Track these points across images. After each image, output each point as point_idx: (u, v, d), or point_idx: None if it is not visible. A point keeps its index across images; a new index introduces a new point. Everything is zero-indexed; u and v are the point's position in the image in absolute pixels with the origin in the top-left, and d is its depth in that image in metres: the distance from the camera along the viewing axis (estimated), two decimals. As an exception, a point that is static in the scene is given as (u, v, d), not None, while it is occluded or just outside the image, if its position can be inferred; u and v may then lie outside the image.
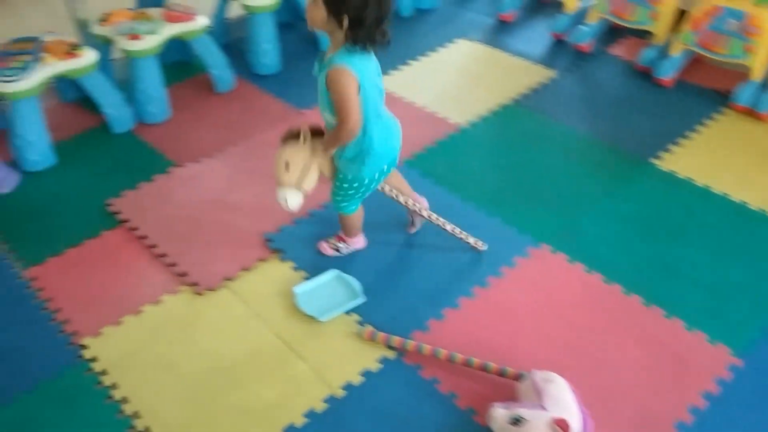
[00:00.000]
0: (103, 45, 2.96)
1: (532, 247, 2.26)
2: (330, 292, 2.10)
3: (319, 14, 1.71)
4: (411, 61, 3.30)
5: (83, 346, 1.96)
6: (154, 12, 2.98)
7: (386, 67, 3.21)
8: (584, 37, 3.28)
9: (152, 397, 1.83)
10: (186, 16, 2.95)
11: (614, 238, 2.30)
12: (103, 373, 1.89)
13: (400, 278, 2.16)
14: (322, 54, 1.86)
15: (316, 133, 1.92)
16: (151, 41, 2.81)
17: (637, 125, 2.83)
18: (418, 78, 3.18)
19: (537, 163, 2.63)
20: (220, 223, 2.38)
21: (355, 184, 1.98)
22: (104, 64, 2.95)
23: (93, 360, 1.92)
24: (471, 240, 2.23)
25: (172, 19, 2.93)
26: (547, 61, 3.25)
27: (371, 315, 2.04)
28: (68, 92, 3.05)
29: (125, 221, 2.39)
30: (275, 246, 2.27)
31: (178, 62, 3.27)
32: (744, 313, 2.04)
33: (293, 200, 1.93)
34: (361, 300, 2.07)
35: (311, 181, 1.94)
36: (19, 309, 2.09)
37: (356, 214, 2.13)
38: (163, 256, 2.25)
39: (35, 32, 2.77)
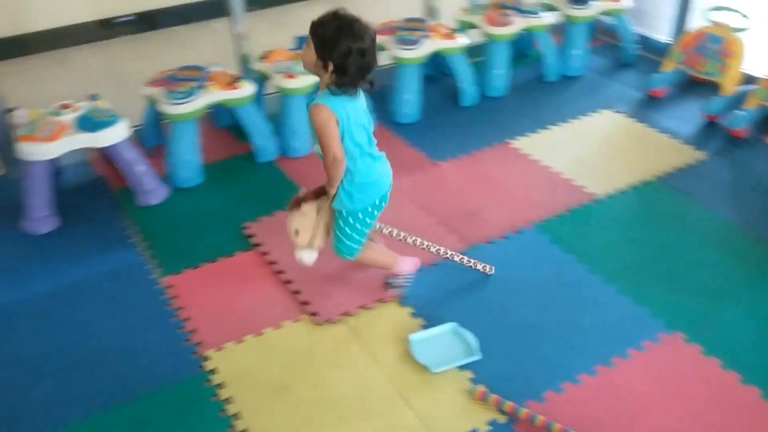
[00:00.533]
0: (260, 80, 3.17)
1: (663, 333, 2.13)
2: (445, 345, 2.08)
3: (309, 57, 1.87)
4: (552, 126, 3.27)
5: (206, 358, 2.05)
6: (310, 54, 3.15)
7: (526, 128, 3.23)
8: (740, 122, 3.13)
9: (262, 417, 1.87)
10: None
11: (757, 335, 2.13)
12: (221, 386, 1.96)
13: (521, 341, 2.10)
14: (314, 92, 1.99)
15: (319, 193, 2.08)
16: (304, 81, 2.98)
17: (791, 219, 2.64)
18: (558, 143, 3.15)
19: (676, 245, 2.50)
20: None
21: (350, 220, 2.07)
22: (258, 98, 3.15)
23: (213, 372, 2.00)
24: (479, 266, 2.31)
25: (326, 62, 3.09)
26: (697, 142, 3.12)
27: (485, 374, 1.99)
28: (222, 119, 3.28)
29: (258, 245, 2.50)
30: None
31: (324, 103, 3.43)
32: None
33: (308, 258, 2.12)
34: (476, 357, 2.03)
35: (321, 238, 2.11)
36: (153, 313, 2.22)
37: (369, 251, 2.19)
38: (288, 282, 2.33)
39: (202, 62, 3.02)
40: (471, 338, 2.08)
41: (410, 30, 3.35)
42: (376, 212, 2.10)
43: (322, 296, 2.27)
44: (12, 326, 2.19)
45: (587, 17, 3.69)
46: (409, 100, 3.31)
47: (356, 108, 1.95)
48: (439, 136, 3.22)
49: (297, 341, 2.11)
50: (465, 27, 3.63)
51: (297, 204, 2.10)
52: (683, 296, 2.27)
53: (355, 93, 1.92)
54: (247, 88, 2.91)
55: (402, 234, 2.31)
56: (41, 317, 2.22)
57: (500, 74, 3.53)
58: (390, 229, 2.34)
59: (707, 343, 2.09)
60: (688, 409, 1.89)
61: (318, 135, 1.92)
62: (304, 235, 2.08)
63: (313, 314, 2.20)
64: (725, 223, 2.62)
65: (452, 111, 3.44)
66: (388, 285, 2.27)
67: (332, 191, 2.02)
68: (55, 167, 2.79)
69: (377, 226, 2.26)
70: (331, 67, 1.85)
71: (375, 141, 2.07)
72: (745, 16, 3.31)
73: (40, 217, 2.59)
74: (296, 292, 2.29)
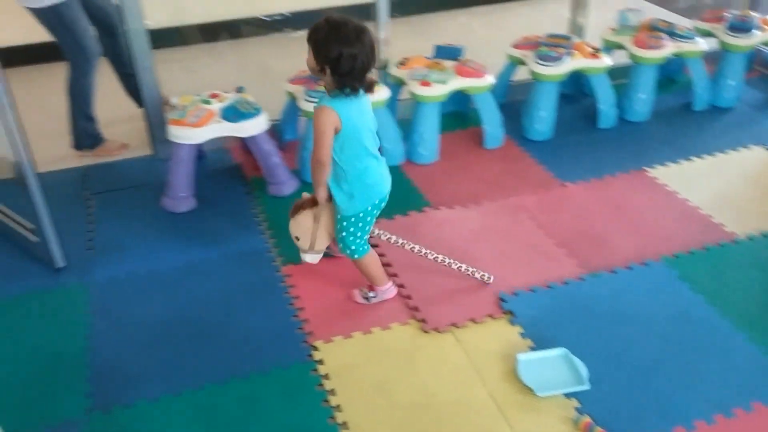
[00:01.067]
0: (396, 85, 3.23)
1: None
2: (554, 369, 2.02)
3: (310, 62, 1.95)
4: (694, 158, 3.09)
5: (315, 348, 2.11)
6: (447, 64, 3.18)
7: (666, 157, 3.07)
8: None
9: (362, 413, 1.90)
10: (476, 72, 3.11)
11: None
12: (326, 377, 2.02)
13: (635, 377, 2.00)
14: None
15: (316, 201, 2.13)
16: (438, 90, 3.01)
17: None
18: (699, 176, 2.96)
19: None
20: (459, 270, 2.43)
21: (353, 219, 2.10)
22: (392, 103, 3.21)
23: (320, 362, 2.07)
24: (478, 275, 2.33)
25: (463, 73, 3.10)
26: None
27: (592, 406, 1.91)
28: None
29: (375, 246, 2.54)
30: (507, 307, 2.25)
31: (456, 112, 3.44)
32: None
33: (311, 259, 2.22)
34: (585, 387, 1.96)
35: (321, 241, 2.19)
36: (271, 298, 2.33)
37: (371, 259, 2.22)
38: (401, 286, 2.35)
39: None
40: (581, 366, 2.00)
41: (553, 46, 3.28)
42: (375, 212, 2.15)
43: (432, 304, 2.27)
44: (146, 292, 2.37)
45: (747, 47, 3.46)
46: (543, 117, 3.25)
47: (361, 109, 2.00)
48: (571, 156, 3.14)
49: (403, 344, 2.13)
50: (611, 47, 3.51)
51: (296, 211, 2.19)
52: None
53: (355, 94, 1.96)
54: (382, 93, 2.98)
55: (400, 240, 2.34)
56: (172, 287, 2.39)
57: (643, 98, 3.38)
58: (388, 236, 2.35)
59: None
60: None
61: (314, 136, 1.98)
62: (304, 240, 2.18)
63: (422, 320, 2.21)
64: None
65: (587, 132, 3.33)
66: (361, 293, 2.29)
67: (319, 193, 2.08)
68: (199, 151, 2.99)
69: (375, 232, 2.29)
70: (327, 71, 1.92)
71: (379, 143, 2.11)
72: None
73: (181, 196, 2.79)
74: (407, 297, 2.31)
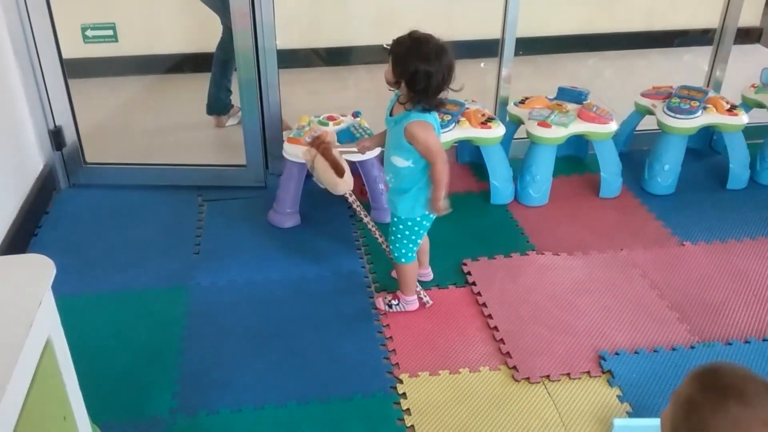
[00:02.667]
0: (514, 124, 3.17)
1: None
2: (652, 441, 1.86)
3: (388, 73, 2.00)
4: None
5: (399, 380, 2.07)
6: (570, 106, 3.09)
7: (742, 234, 2.80)
8: None
9: (438, 457, 1.83)
10: (600, 119, 2.99)
11: None
12: (407, 412, 1.96)
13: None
14: (391, 107, 2.11)
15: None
16: (557, 132, 2.92)
17: None
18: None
19: None
20: (558, 320, 2.31)
21: (409, 223, 2.17)
22: (506, 141, 3.15)
23: (403, 396, 2.02)
24: (423, 293, 2.33)
25: (585, 117, 3.00)
26: None
27: (692, 490, 1.73)
28: (466, 155, 3.34)
29: (473, 284, 2.48)
30: (607, 366, 2.11)
31: (572, 156, 3.33)
32: None
33: (345, 188, 2.32)
34: (685, 467, 1.78)
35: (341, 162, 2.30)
36: (361, 323, 2.31)
37: (413, 267, 2.28)
38: (495, 329, 2.27)
39: (462, 98, 3.10)
40: (683, 444, 1.83)
41: (686, 98, 3.12)
42: (429, 222, 2.22)
43: (525, 352, 2.17)
44: (243, 302, 2.42)
45: None
46: (667, 171, 3.07)
47: (437, 124, 2.10)
48: (692, 214, 2.94)
49: (491, 390, 2.04)
50: (750, 105, 3.28)
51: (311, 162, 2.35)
52: None
53: (429, 110, 2.03)
54: (498, 130, 2.93)
55: (363, 214, 2.41)
56: (267, 300, 2.42)
57: (780, 161, 3.13)
58: (356, 204, 2.42)
59: None
60: None
61: (425, 148, 2.03)
62: (328, 178, 2.29)
63: (513, 368, 2.11)
64: None
65: (713, 191, 3.12)
66: (385, 301, 2.35)
67: (443, 193, 2.10)
68: (309, 170, 3.05)
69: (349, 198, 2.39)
70: (403, 85, 1.98)
71: None
72: None
73: (287, 212, 2.84)
74: (500, 341, 2.22)
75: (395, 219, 2.22)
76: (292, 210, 2.85)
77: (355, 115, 2.99)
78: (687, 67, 4.60)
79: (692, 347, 2.21)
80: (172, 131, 3.70)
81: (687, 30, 4.84)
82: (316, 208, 2.96)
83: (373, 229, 2.42)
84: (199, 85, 3.62)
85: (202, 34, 3.61)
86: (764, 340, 2.24)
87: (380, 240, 2.39)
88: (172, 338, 2.24)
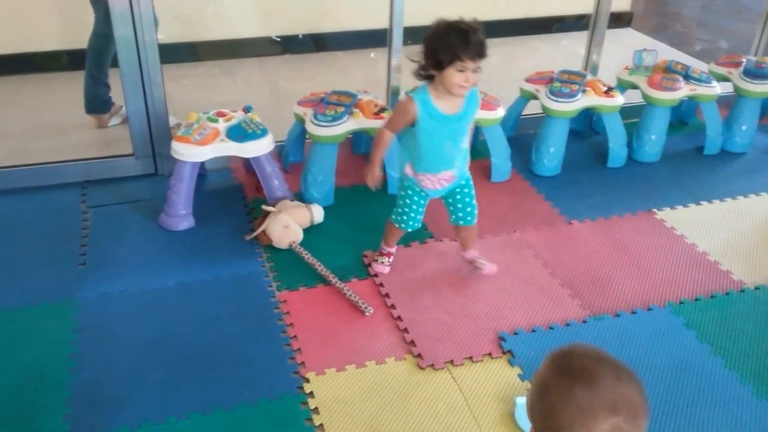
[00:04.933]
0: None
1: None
2: (552, 416, 1.94)
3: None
4: (704, 202, 3.04)
5: (306, 380, 2.04)
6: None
7: (675, 200, 3.02)
8: None
9: (349, 453, 1.83)
10: (489, 105, 3.07)
11: None
12: (315, 411, 1.94)
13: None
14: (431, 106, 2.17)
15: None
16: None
17: None
18: (708, 221, 2.91)
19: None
20: (459, 305, 2.36)
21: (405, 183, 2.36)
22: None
23: (310, 395, 1.99)
24: (360, 304, 2.32)
25: (473, 104, 3.06)
26: None
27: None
28: (362, 146, 3.34)
29: (375, 275, 2.49)
30: (507, 347, 2.18)
31: (464, 144, 3.40)
32: None
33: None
34: (583, 437, 1.87)
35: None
36: (264, 324, 2.26)
37: (397, 229, 2.46)
38: (398, 319, 2.29)
39: (354, 88, 3.09)
40: (581, 415, 1.92)
41: (566, 82, 3.25)
42: (424, 197, 2.40)
43: (429, 340, 2.20)
44: (136, 312, 2.30)
45: (762, 93, 3.42)
46: (552, 153, 3.20)
47: None
48: (578, 194, 3.09)
49: (398, 381, 2.06)
50: (624, 86, 3.48)
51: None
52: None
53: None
54: (390, 119, 2.94)
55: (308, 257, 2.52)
56: (162, 308, 2.32)
57: (654, 140, 3.34)
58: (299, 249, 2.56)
59: None
60: None
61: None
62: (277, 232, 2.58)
63: (418, 356, 2.14)
64: None
65: (596, 170, 3.29)
66: (375, 256, 2.55)
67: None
68: (201, 170, 2.94)
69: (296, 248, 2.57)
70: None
71: None
72: None
73: (181, 214, 2.73)
74: (404, 330, 2.24)
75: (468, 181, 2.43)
76: (186, 211, 2.74)
77: (246, 110, 2.91)
78: (566, 51, 4.81)
79: (584, 321, 2.32)
80: (50, 133, 3.46)
81: (564, 16, 5.06)
82: (211, 208, 2.86)
83: (327, 273, 2.43)
84: (79, 84, 3.41)
85: (80, 29, 3.38)
86: (649, 309, 2.39)
87: (339, 285, 2.39)
88: (60, 357, 2.10)
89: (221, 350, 2.15)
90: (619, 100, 3.24)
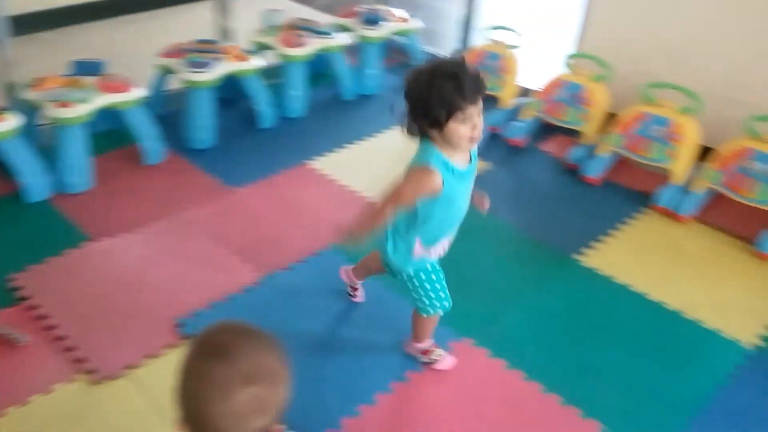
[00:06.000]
0: (30, 110, 2.87)
1: (453, 341, 2.20)
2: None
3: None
4: (349, 145, 3.30)
5: (-44, 439, 1.78)
6: (88, 80, 2.92)
7: (324, 148, 3.23)
8: (518, 132, 3.36)
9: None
10: (122, 86, 2.91)
11: (536, 334, 2.27)
12: (-26, 471, 1.71)
13: (311, 370, 2.06)
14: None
15: None
16: (79, 110, 2.74)
17: (563, 221, 2.86)
18: (355, 161, 3.18)
19: (466, 255, 2.60)
20: (130, 304, 2.26)
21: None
22: (31, 130, 2.85)
23: (-36, 456, 1.75)
24: (11, 334, 2.04)
25: (106, 88, 2.87)
26: (482, 153, 3.27)
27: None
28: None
29: (25, 299, 2.24)
30: (187, 332, 2.15)
31: (110, 131, 3.19)
32: (660, 416, 2.01)
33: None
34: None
35: None
36: None
37: (435, 317, 2.07)
38: (61, 339, 2.10)
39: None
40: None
41: (201, 52, 3.22)
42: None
43: (102, 350, 2.07)
44: None
45: (379, 38, 3.79)
46: (203, 125, 3.18)
47: None
48: (236, 161, 3.13)
49: (70, 406, 1.89)
50: (260, 48, 3.56)
51: None
52: (471, 303, 2.36)
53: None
54: (9, 122, 2.62)
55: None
56: None
57: (297, 95, 3.51)
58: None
59: (493, 345, 2.19)
60: (479, 412, 1.97)
61: None
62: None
63: (92, 372, 1.99)
64: (509, 228, 2.79)
65: (250, 134, 3.35)
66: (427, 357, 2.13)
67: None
68: None
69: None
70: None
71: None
72: (518, 34, 3.57)
73: None
74: (70, 349, 2.06)
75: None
76: None
77: None
78: (200, 21, 4.74)
79: (259, 283, 2.39)
80: None
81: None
82: None
83: None
84: None
85: None
86: (316, 254, 2.54)
87: None
88: None
89: None
90: (255, 62, 3.32)
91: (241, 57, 3.29)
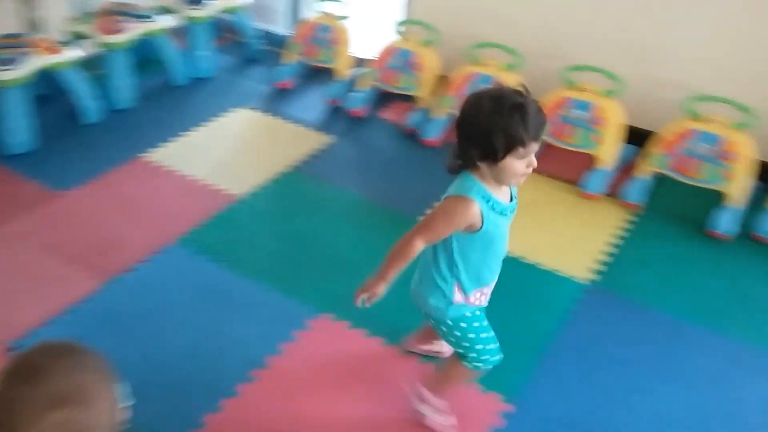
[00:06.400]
0: None
1: (312, 319, 2.20)
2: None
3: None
4: (185, 132, 3.17)
5: None
6: None
7: (159, 138, 3.09)
8: (357, 103, 3.38)
9: None
10: None
11: (394, 300, 2.32)
12: None
13: (174, 371, 1.98)
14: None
15: None
16: None
17: (407, 185, 2.93)
18: (195, 149, 3.06)
19: (317, 230, 2.61)
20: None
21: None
22: None
23: None
24: None
25: None
26: (324, 127, 3.29)
27: (140, 418, 1.83)
28: None
29: None
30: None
31: None
32: (511, 359, 2.12)
33: None
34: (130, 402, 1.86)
35: None
36: None
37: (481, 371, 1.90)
38: None
39: None
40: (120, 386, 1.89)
41: (6, 48, 2.94)
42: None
43: None
44: None
45: (206, 17, 3.64)
46: (18, 127, 2.92)
47: None
48: (62, 162, 2.91)
49: None
50: (76, 38, 3.31)
51: None
52: (328, 277, 2.37)
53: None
54: None
55: None
56: None
57: (123, 85, 3.31)
58: None
59: (353, 317, 2.21)
60: (343, 384, 1.99)
61: None
62: None
63: None
64: (356, 198, 2.82)
65: (74, 132, 3.13)
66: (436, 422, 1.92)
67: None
68: None
69: None
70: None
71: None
72: (347, 4, 3.57)
73: None
74: None
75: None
76: None
77: None
78: (2, 13, 4.33)
79: (100, 290, 2.25)
80: None
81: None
82: None
83: None
84: None
85: None
86: (161, 252, 2.43)
87: None
88: None
89: None
90: (69, 54, 3.08)
91: (53, 49, 3.04)
